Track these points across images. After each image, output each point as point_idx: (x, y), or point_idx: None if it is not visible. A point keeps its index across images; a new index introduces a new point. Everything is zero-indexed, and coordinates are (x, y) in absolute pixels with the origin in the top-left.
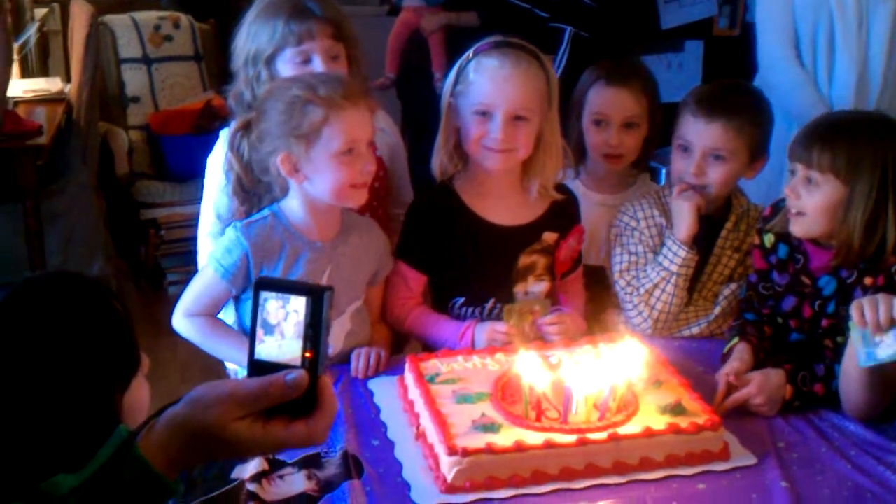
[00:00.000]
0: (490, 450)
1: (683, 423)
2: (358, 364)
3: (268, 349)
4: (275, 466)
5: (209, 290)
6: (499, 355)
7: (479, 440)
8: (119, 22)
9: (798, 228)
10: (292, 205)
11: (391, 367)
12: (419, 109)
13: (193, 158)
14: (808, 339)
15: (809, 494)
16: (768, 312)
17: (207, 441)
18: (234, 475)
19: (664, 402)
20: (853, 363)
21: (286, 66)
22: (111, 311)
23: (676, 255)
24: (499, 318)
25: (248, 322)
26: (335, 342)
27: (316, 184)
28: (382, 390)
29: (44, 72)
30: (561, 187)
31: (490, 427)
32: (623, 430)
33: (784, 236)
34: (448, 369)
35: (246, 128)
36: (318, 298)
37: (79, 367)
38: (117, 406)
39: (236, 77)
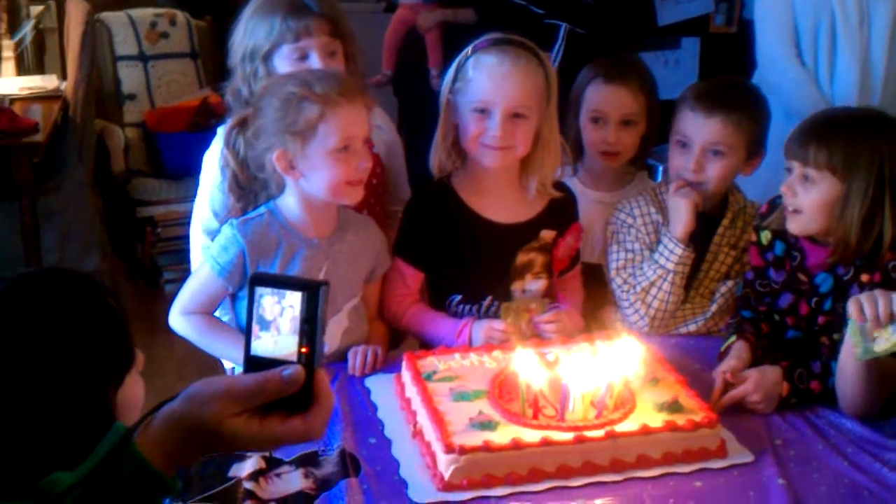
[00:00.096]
0: (487, 447)
1: (680, 420)
2: (355, 362)
3: (264, 345)
4: (272, 465)
5: (206, 287)
6: (496, 353)
7: (477, 438)
8: (115, 19)
9: (795, 226)
10: (288, 202)
11: (388, 364)
12: (416, 106)
13: (190, 156)
14: (805, 337)
15: (806, 492)
16: (765, 309)
17: (204, 437)
18: (231, 473)
19: (661, 400)
20: (849, 359)
21: (283, 63)
22: (104, 305)
23: (673, 253)
24: (496, 315)
25: (244, 319)
26: (332, 340)
27: (312, 181)
28: (379, 388)
29: (40, 69)
30: (559, 185)
31: (487, 425)
32: (620, 428)
33: (781, 233)
34: (445, 367)
35: (242, 124)
36: (313, 293)
37: (72, 361)
38: (111, 402)
39: (233, 73)
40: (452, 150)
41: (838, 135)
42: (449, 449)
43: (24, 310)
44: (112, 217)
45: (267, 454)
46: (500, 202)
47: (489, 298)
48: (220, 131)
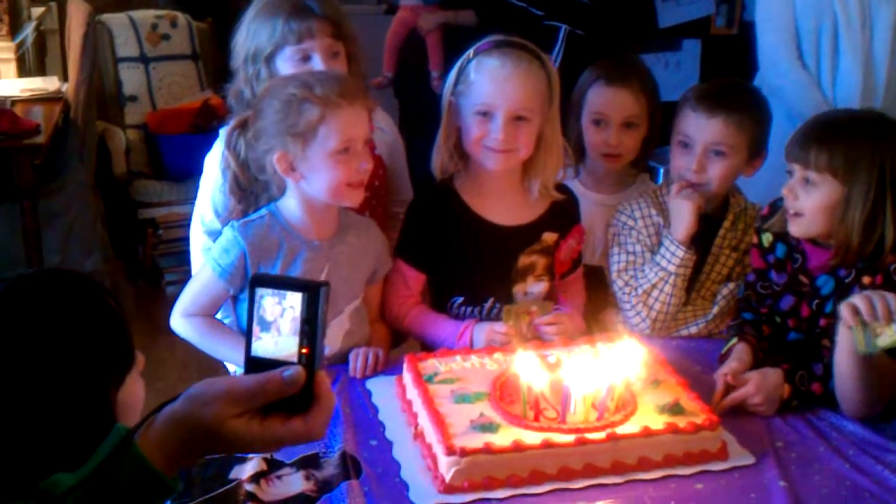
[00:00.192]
0: (488, 450)
1: (682, 422)
2: (356, 364)
3: (264, 346)
4: (273, 466)
5: (207, 289)
6: (497, 355)
7: (478, 440)
8: (116, 21)
9: (796, 229)
10: (289, 204)
11: (389, 366)
12: (416, 108)
13: (191, 158)
14: (806, 339)
15: (808, 494)
16: (766, 312)
17: (205, 438)
18: (232, 475)
19: (662, 402)
20: (844, 359)
21: (286, 65)
22: (104, 306)
23: (674, 255)
24: (498, 318)
25: (246, 321)
26: (333, 342)
27: (312, 183)
28: (381, 390)
29: (41, 71)
30: (561, 187)
31: (488, 427)
32: (621, 430)
33: (782, 235)
34: (446, 369)
35: (243, 126)
36: (314, 294)
37: (72, 362)
38: (112, 403)
39: (236, 75)
40: (455, 153)
41: (839, 137)
42: (450, 451)
43: (24, 311)
44: (113, 219)
45: (268, 456)
46: (502, 204)
47: (491, 301)
48: (222, 133)
